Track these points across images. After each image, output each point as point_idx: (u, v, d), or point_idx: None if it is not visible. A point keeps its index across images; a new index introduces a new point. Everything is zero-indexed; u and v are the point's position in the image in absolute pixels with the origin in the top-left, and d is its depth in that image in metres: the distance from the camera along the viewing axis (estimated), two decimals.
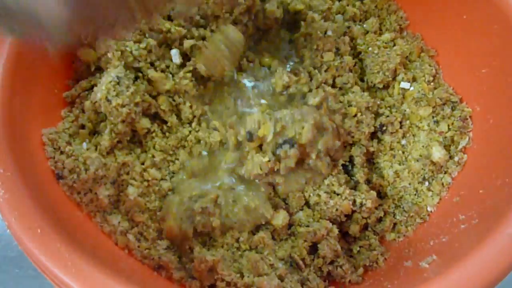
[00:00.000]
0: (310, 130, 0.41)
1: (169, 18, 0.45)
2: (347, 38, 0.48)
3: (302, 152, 0.42)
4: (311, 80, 0.46)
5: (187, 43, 0.44)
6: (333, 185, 0.44)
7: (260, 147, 0.43)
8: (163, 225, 0.41)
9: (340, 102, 0.46)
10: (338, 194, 0.43)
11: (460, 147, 0.45)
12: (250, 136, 0.42)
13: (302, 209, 0.44)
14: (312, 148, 0.42)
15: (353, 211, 0.43)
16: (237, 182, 0.43)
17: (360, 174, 0.45)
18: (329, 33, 0.46)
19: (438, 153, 0.44)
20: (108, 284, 0.30)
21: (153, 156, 0.43)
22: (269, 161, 0.41)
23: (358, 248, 0.43)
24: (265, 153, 0.42)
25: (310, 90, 0.46)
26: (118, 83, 0.40)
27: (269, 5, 0.47)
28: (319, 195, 0.43)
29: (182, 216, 0.40)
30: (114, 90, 0.40)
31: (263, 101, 0.46)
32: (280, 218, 0.42)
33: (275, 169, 0.42)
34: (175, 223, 0.40)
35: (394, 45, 0.50)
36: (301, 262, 0.41)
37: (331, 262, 0.41)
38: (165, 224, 0.40)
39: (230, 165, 0.44)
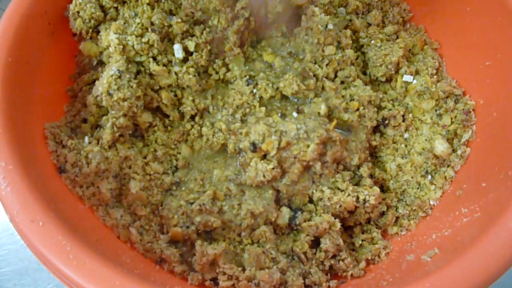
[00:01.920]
0: (315, 150, 0.41)
1: (171, 13, 0.44)
2: (348, 31, 0.48)
3: (307, 163, 0.42)
4: (316, 80, 0.46)
5: (191, 44, 0.43)
6: (337, 181, 0.43)
7: (264, 155, 0.43)
8: (164, 221, 0.41)
9: (342, 96, 0.46)
10: (341, 191, 0.43)
11: (463, 140, 0.45)
12: (254, 147, 0.42)
13: (305, 205, 0.44)
14: (318, 160, 0.42)
15: (356, 207, 0.43)
16: (239, 186, 0.43)
17: (363, 169, 0.45)
18: (330, 26, 0.46)
19: (441, 147, 0.44)
20: (110, 277, 0.31)
21: (155, 150, 0.43)
22: (273, 168, 0.41)
23: (360, 242, 0.43)
24: (269, 161, 0.42)
25: (316, 95, 0.46)
26: (119, 77, 0.40)
27: None
28: (322, 191, 0.43)
29: (183, 221, 0.41)
30: (115, 84, 0.40)
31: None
32: (286, 217, 0.42)
33: (278, 177, 0.42)
34: (178, 229, 0.40)
35: (397, 37, 0.50)
36: (303, 256, 0.40)
37: (333, 256, 0.41)
38: (170, 229, 0.41)
39: (230, 173, 0.43)
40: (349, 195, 0.42)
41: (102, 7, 0.44)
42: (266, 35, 0.49)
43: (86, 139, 0.41)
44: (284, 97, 0.46)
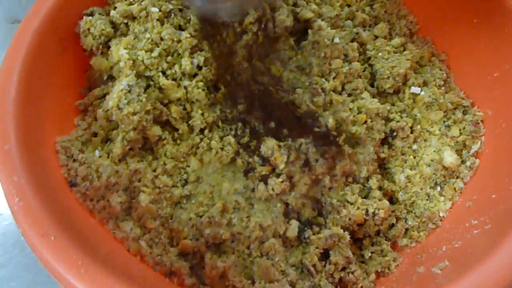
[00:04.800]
0: (323, 164, 0.41)
1: (180, 28, 0.45)
2: (355, 44, 0.48)
3: (316, 176, 0.42)
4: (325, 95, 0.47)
5: (200, 59, 0.44)
6: (346, 194, 0.43)
7: (273, 169, 0.43)
8: (174, 234, 0.41)
9: (350, 109, 0.46)
10: (351, 204, 0.43)
11: (472, 151, 0.45)
12: (263, 161, 0.42)
13: (314, 218, 0.44)
14: (327, 174, 0.43)
15: (365, 220, 0.43)
16: (248, 200, 0.43)
17: (372, 181, 0.45)
18: (337, 40, 0.46)
19: (450, 158, 0.44)
20: None
21: (164, 163, 0.43)
22: (282, 182, 0.42)
23: (369, 254, 0.43)
24: (278, 174, 0.42)
25: (325, 109, 0.46)
26: (129, 91, 0.41)
27: (279, 13, 0.47)
28: (332, 204, 0.43)
29: (193, 234, 0.41)
30: (125, 98, 0.40)
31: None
32: (295, 230, 0.42)
33: (287, 191, 0.42)
34: (187, 242, 0.40)
35: (404, 49, 0.50)
36: (312, 269, 0.40)
37: (343, 268, 0.41)
38: (179, 241, 0.41)
39: (239, 186, 0.44)
40: (358, 208, 0.42)
41: (112, 23, 0.45)
42: (274, 49, 0.50)
43: (97, 152, 0.42)
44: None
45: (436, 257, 0.39)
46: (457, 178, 0.44)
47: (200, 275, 0.40)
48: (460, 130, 0.46)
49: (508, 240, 0.33)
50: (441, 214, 0.44)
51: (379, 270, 0.41)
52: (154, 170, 0.43)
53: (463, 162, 0.45)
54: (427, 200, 0.45)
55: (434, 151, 0.45)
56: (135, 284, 0.31)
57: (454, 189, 0.44)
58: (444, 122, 0.46)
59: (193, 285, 0.38)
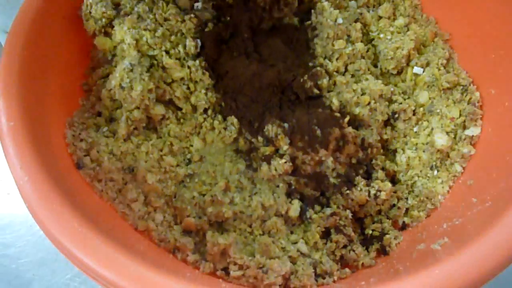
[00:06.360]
0: (327, 146, 0.42)
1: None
2: (358, 25, 0.48)
3: (319, 158, 0.43)
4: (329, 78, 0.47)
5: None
6: (349, 175, 0.44)
7: (276, 150, 0.43)
8: (178, 212, 0.42)
9: (353, 90, 0.46)
10: (354, 185, 0.43)
11: (470, 132, 0.44)
12: (267, 142, 0.43)
13: (316, 198, 0.44)
14: (330, 155, 0.43)
15: (367, 200, 0.43)
16: (250, 179, 0.44)
17: (375, 162, 0.45)
18: (340, 21, 0.46)
19: (440, 140, 0.44)
20: (126, 264, 0.31)
21: (169, 143, 0.44)
22: (285, 162, 0.42)
23: (370, 232, 0.43)
24: (281, 155, 0.43)
25: (329, 91, 0.46)
26: (131, 70, 0.41)
27: None
28: (334, 185, 0.43)
29: (196, 212, 0.41)
30: (127, 77, 0.41)
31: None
32: (297, 210, 0.42)
33: (290, 171, 0.43)
34: (191, 219, 0.41)
35: (408, 30, 0.50)
36: (314, 246, 0.41)
37: (344, 246, 0.41)
38: (183, 219, 0.41)
39: (241, 166, 0.44)
40: (361, 189, 0.43)
41: (115, 4, 0.45)
42: (278, 30, 0.49)
43: (102, 132, 0.42)
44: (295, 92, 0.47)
45: (437, 234, 0.39)
46: (458, 157, 0.44)
47: (203, 252, 0.40)
48: (460, 111, 0.45)
49: (507, 215, 0.33)
50: (441, 193, 0.44)
51: (379, 248, 0.42)
52: (160, 150, 0.43)
53: (461, 142, 0.45)
54: (427, 180, 0.45)
55: (428, 134, 0.45)
56: (139, 258, 0.32)
57: (455, 168, 0.44)
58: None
59: (195, 261, 0.39)
